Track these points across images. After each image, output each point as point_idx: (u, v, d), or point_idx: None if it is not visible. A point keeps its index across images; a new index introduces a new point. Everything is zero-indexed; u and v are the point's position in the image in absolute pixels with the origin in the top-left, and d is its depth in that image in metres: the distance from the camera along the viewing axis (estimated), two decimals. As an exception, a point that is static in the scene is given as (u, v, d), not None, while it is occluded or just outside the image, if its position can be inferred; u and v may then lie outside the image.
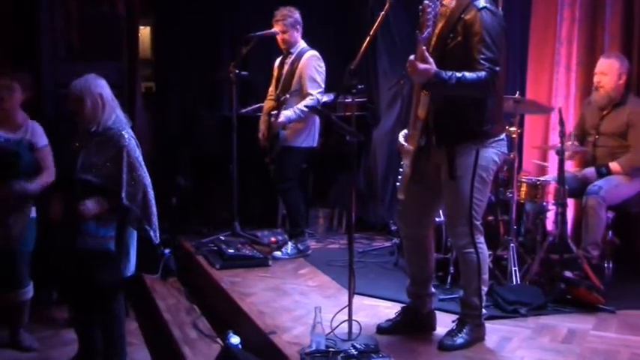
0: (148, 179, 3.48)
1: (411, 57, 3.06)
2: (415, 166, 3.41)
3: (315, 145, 5.17)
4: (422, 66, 3.03)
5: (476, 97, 3.20)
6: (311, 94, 4.98)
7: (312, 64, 5.06)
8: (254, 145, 5.39)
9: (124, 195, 3.34)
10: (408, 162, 3.41)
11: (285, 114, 5.01)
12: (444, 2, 3.30)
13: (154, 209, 3.49)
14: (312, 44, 5.23)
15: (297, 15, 5.13)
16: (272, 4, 5.38)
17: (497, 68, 3.10)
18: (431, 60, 3.04)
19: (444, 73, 3.05)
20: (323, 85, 5.05)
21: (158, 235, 3.49)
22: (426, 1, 3.06)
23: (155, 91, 6.52)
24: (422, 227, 3.54)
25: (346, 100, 5.80)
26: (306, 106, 4.92)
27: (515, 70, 5.71)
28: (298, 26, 5.13)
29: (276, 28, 5.14)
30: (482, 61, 3.09)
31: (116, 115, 3.50)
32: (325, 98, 5.35)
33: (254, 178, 6.19)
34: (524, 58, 5.70)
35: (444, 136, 3.29)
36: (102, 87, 3.47)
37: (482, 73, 3.07)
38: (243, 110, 6.04)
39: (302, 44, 5.17)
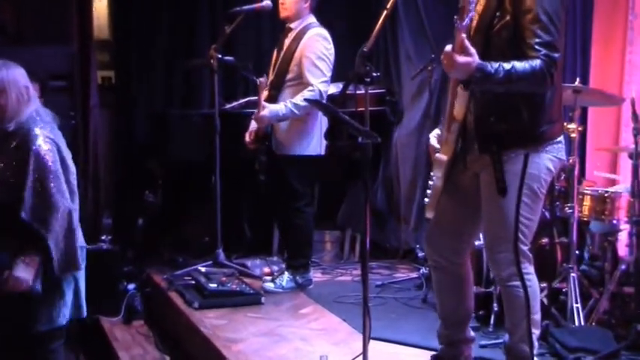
0: (67, 201, 3.34)
1: (448, 47, 3.06)
2: (449, 178, 3.42)
3: (321, 152, 5.17)
4: (461, 59, 3.03)
5: (529, 93, 3.21)
6: (311, 85, 4.98)
7: (315, 46, 5.04)
8: (242, 150, 5.40)
9: (23, 214, 3.25)
10: (441, 173, 3.43)
11: (273, 108, 5.00)
12: None
13: (76, 241, 3.39)
14: (321, 23, 5.23)
15: None
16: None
17: (557, 55, 3.11)
18: (472, 51, 3.04)
19: (488, 66, 3.05)
20: (328, 75, 5.04)
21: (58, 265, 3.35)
22: None
23: (115, 82, 6.55)
24: (456, 254, 3.53)
25: (358, 92, 5.79)
26: (304, 100, 4.92)
27: (574, 51, 5.71)
28: None
29: None
30: (537, 47, 3.10)
31: (33, 110, 3.41)
32: (333, 89, 5.36)
33: (243, 193, 6.20)
34: (587, 35, 5.71)
35: (488, 140, 3.29)
36: (26, 78, 3.45)
37: (537, 62, 3.08)
38: (229, 106, 6.05)
39: (309, 19, 5.16)
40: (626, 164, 5.09)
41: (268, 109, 4.98)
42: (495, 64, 3.06)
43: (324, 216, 6.28)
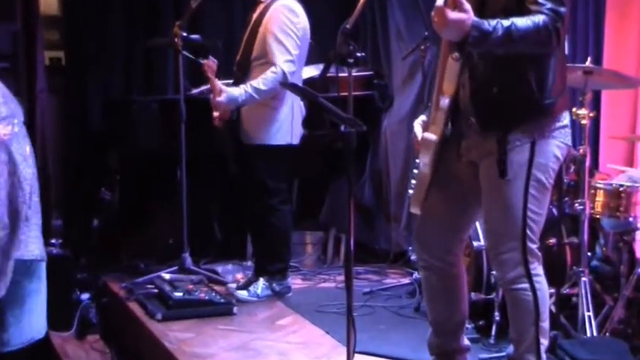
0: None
1: (439, 2, 3.02)
2: (439, 166, 3.39)
3: (293, 141, 5.14)
4: (454, 15, 2.99)
5: (533, 55, 3.18)
6: (274, 65, 4.93)
7: (279, 18, 4.99)
8: (212, 140, 5.37)
9: None
10: (428, 159, 3.39)
11: (231, 92, 4.97)
12: None
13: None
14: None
15: None
16: None
17: (563, 9, 3.08)
18: (467, 6, 2.99)
19: (485, 24, 3.01)
20: (295, 52, 4.98)
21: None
22: None
23: (66, 63, 6.50)
24: (448, 252, 3.53)
25: (341, 75, 5.79)
26: (264, 83, 4.89)
27: (586, 26, 5.72)
28: None
29: None
30: (540, 0, 3.07)
31: None
32: (314, 71, 5.34)
33: (213, 189, 6.18)
34: (599, 9, 5.72)
35: (490, 116, 3.26)
36: None
37: (541, 18, 3.04)
38: (195, 91, 6.03)
39: None
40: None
41: (226, 94, 4.97)
42: (493, 22, 3.02)
43: (304, 215, 6.28)
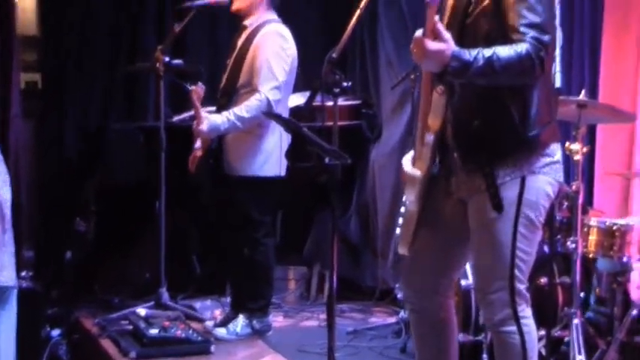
0: None
1: (418, 32, 3.05)
2: (426, 203, 3.40)
3: (282, 173, 5.15)
4: (433, 45, 3.01)
5: (514, 86, 3.20)
6: (259, 92, 4.94)
7: (268, 44, 5.01)
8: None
9: None
10: (414, 196, 3.40)
11: (213, 120, 4.97)
12: None
13: None
14: (289, 21, 5.24)
15: None
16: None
17: (547, 37, 3.09)
18: (447, 35, 3.02)
19: (466, 53, 3.02)
20: (281, 79, 5.00)
21: None
22: None
23: (42, 87, 6.51)
24: (437, 293, 3.52)
25: (328, 104, 5.83)
26: (248, 111, 4.90)
27: (581, 58, 5.77)
28: None
29: None
30: (522, 29, 3.07)
31: None
32: (298, 99, 5.36)
33: (192, 222, 6.18)
34: (596, 39, 5.78)
35: (471, 151, 3.28)
36: None
37: (524, 47, 3.05)
38: (177, 118, 6.04)
39: (268, 15, 5.12)
40: (639, 191, 5.16)
41: (207, 122, 4.94)
42: (474, 51, 3.02)
43: (287, 249, 6.28)
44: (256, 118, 4.92)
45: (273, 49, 5.00)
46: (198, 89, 4.98)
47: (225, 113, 4.96)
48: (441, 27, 3.03)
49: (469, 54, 3.02)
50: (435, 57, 3.02)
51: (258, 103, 4.91)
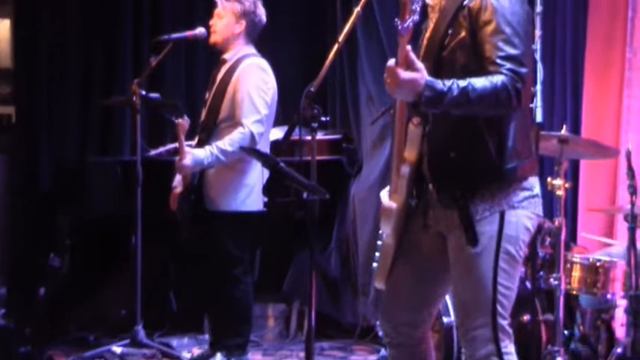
0: None
1: (390, 61, 3.06)
2: (403, 236, 3.39)
3: (264, 208, 5.14)
4: (406, 75, 3.00)
5: (491, 118, 3.21)
6: (242, 125, 4.94)
7: (250, 78, 5.02)
8: (169, 205, 5.38)
9: None
10: (390, 228, 3.39)
11: (196, 154, 4.97)
12: None
13: None
14: (267, 55, 5.25)
15: (252, 6, 5.09)
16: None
17: (523, 70, 3.09)
18: (420, 65, 3.02)
19: (440, 83, 3.02)
20: (264, 112, 5.01)
21: None
22: None
23: (16, 121, 6.51)
24: (415, 328, 3.50)
25: (307, 138, 5.85)
26: (231, 145, 4.89)
27: (562, 94, 5.82)
28: (244, 21, 5.06)
29: (216, 9, 5.12)
30: (499, 61, 3.07)
31: None
32: (278, 133, 5.37)
33: (169, 257, 6.15)
34: (578, 75, 5.83)
35: (447, 184, 3.28)
36: None
37: (500, 78, 3.05)
38: (154, 152, 6.04)
39: (247, 49, 5.14)
40: (624, 228, 5.17)
41: (191, 156, 4.92)
42: (448, 82, 3.02)
43: (266, 286, 6.25)
44: (239, 152, 4.91)
45: (254, 82, 5.01)
46: (184, 122, 4.97)
47: (208, 147, 4.95)
48: (413, 56, 3.02)
49: (443, 84, 3.02)
50: (408, 86, 3.01)
51: (242, 136, 4.90)
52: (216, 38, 5.12)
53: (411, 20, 3.01)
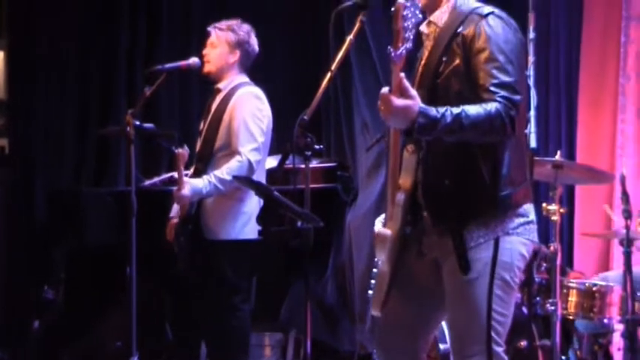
0: None
1: (384, 89, 3.07)
2: (398, 264, 3.39)
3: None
4: (400, 102, 3.02)
5: (485, 146, 3.22)
6: (239, 154, 4.94)
7: (245, 106, 5.03)
8: (165, 235, 5.37)
9: None
10: (385, 256, 3.40)
11: (194, 184, 4.97)
12: (431, 19, 3.35)
13: None
14: (261, 84, 5.26)
15: (246, 35, 5.11)
16: (196, 20, 5.45)
17: (517, 97, 3.11)
18: (413, 92, 3.03)
19: (433, 110, 3.03)
20: (261, 140, 5.02)
21: None
22: (402, 1, 3.04)
23: (10, 152, 6.52)
24: (412, 356, 3.50)
25: (301, 167, 5.86)
26: (229, 173, 4.89)
27: (557, 119, 5.85)
28: (238, 51, 5.09)
29: (209, 38, 5.15)
30: (493, 89, 3.10)
31: None
32: (272, 162, 5.37)
33: (165, 288, 6.14)
34: (572, 100, 5.87)
35: (441, 210, 3.29)
36: None
37: (495, 106, 3.07)
38: (148, 182, 6.03)
39: (240, 78, 5.16)
40: (619, 252, 5.17)
41: (189, 186, 4.91)
42: (442, 109, 3.04)
43: (262, 314, 6.22)
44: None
45: (249, 110, 5.01)
46: (184, 152, 4.95)
47: (206, 177, 4.94)
48: (407, 84, 3.03)
49: (436, 111, 3.03)
50: (401, 113, 3.02)
51: (240, 165, 4.90)
52: (210, 68, 5.13)
53: (404, 48, 3.03)
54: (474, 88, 3.15)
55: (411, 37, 3.04)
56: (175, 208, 5.17)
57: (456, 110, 3.04)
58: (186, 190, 4.90)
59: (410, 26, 3.03)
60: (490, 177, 3.21)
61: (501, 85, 3.10)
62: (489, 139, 3.15)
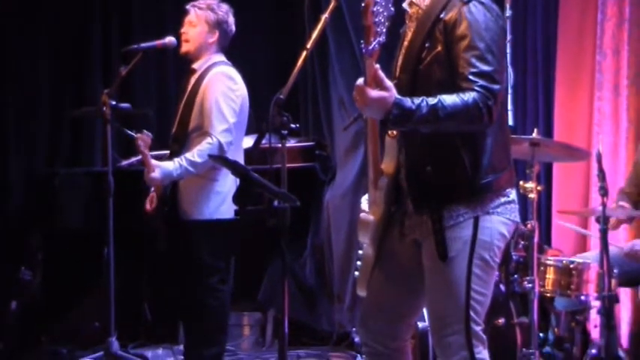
0: None
1: (359, 80, 3.07)
2: (381, 245, 3.40)
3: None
4: (374, 93, 3.01)
5: (466, 134, 3.22)
6: (210, 136, 4.90)
7: (217, 86, 4.98)
8: (142, 215, 5.35)
9: None
10: (369, 239, 3.40)
11: (165, 167, 4.92)
12: (414, 0, 3.34)
13: None
14: (238, 63, 5.23)
15: (223, 15, 5.07)
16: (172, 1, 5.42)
17: (496, 87, 3.11)
18: (389, 83, 3.03)
19: (408, 102, 3.04)
20: (232, 121, 4.96)
21: None
22: None
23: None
24: (394, 338, 3.50)
25: (277, 146, 5.84)
26: (200, 155, 4.87)
27: (534, 97, 5.85)
28: (217, 30, 5.04)
29: (186, 18, 5.11)
30: (471, 77, 3.10)
31: None
32: (250, 141, 5.36)
33: (143, 268, 6.13)
34: (549, 78, 5.87)
35: (423, 196, 3.30)
36: None
37: (472, 95, 3.07)
38: (125, 162, 6.02)
39: (216, 57, 5.11)
40: (597, 230, 5.20)
41: (159, 169, 4.86)
42: (417, 99, 3.04)
43: (241, 294, 6.22)
44: (209, 162, 4.89)
45: (221, 90, 4.97)
46: (144, 137, 4.90)
47: (177, 159, 4.91)
48: (382, 75, 3.03)
49: (412, 102, 3.03)
50: (376, 105, 3.03)
51: (210, 146, 4.87)
52: (189, 47, 5.07)
53: (376, 42, 3.00)
54: (454, 74, 3.14)
55: (384, 29, 3.02)
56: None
57: (432, 101, 3.04)
58: (156, 174, 4.87)
59: (382, 20, 3.00)
60: (471, 165, 3.21)
61: (480, 74, 3.09)
62: (467, 128, 3.15)
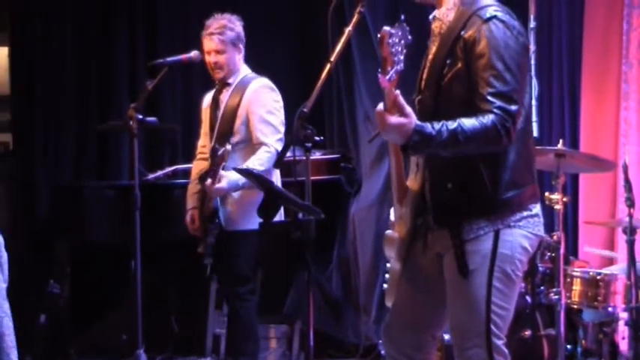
0: None
1: (379, 106, 3.06)
2: (407, 259, 3.41)
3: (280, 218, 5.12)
4: (394, 120, 3.01)
5: (486, 152, 3.22)
6: (266, 145, 4.95)
7: (263, 99, 5.06)
8: (169, 228, 5.37)
9: None
10: (395, 254, 3.42)
11: (229, 177, 4.92)
12: (437, 15, 3.34)
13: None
14: (262, 74, 5.25)
15: (239, 27, 5.15)
16: (195, 13, 5.43)
17: (513, 108, 3.10)
18: (409, 110, 3.02)
19: (428, 127, 3.04)
20: (282, 130, 5.03)
21: None
22: (387, 28, 3.01)
23: (14, 148, 6.54)
24: (418, 350, 3.49)
25: (302, 158, 5.85)
26: (261, 164, 4.85)
27: (560, 108, 5.83)
28: (241, 45, 5.12)
29: (206, 45, 5.15)
30: (489, 98, 3.09)
31: None
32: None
33: (169, 281, 6.15)
34: (575, 88, 5.85)
35: (444, 210, 3.30)
36: None
37: (490, 118, 3.07)
38: (152, 176, 6.05)
39: (245, 70, 5.19)
40: (624, 241, 5.17)
41: (227, 180, 4.89)
42: (437, 124, 3.04)
43: (268, 307, 6.23)
44: (269, 172, 4.91)
45: (269, 102, 5.06)
46: (228, 149, 4.90)
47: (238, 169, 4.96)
48: (402, 101, 3.02)
49: (432, 127, 3.04)
50: (396, 131, 3.02)
51: (269, 155, 4.92)
52: (225, 73, 5.09)
53: (393, 71, 2.99)
54: (473, 93, 3.14)
55: (402, 57, 3.00)
56: (191, 201, 5.18)
57: (452, 125, 3.04)
58: (223, 183, 4.89)
59: (399, 49, 2.99)
60: (491, 181, 3.21)
61: (498, 95, 3.09)
62: (486, 150, 3.15)
